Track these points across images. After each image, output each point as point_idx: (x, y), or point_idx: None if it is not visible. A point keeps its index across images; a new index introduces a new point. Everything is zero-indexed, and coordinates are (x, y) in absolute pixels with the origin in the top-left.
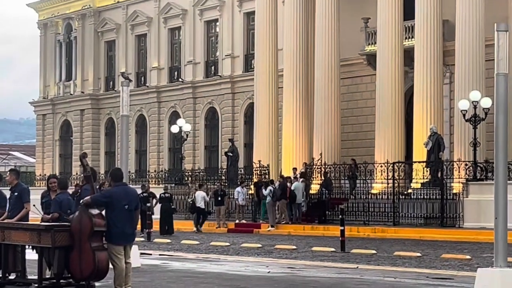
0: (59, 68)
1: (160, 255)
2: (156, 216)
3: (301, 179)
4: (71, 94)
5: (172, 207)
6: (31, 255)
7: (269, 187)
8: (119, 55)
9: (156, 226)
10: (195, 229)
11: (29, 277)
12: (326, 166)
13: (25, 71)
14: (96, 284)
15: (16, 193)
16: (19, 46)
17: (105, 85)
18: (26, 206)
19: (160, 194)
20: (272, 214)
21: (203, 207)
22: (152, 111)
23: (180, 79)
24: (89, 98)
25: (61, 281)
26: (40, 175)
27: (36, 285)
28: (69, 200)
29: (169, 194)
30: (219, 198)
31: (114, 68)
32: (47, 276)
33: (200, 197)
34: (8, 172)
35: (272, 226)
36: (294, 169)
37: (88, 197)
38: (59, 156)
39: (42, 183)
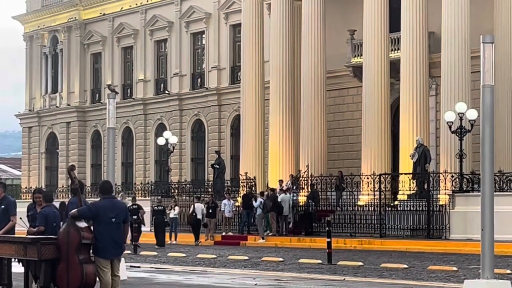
0: (45, 80)
1: (151, 267)
2: (147, 228)
3: (294, 187)
4: (57, 107)
5: (165, 220)
6: (17, 268)
7: (259, 199)
8: (105, 67)
9: (146, 239)
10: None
11: None
12: (313, 178)
13: (11, 83)
14: None
15: (2, 206)
16: (5, 58)
17: (91, 97)
18: (12, 219)
19: (153, 207)
20: (262, 226)
21: (200, 219)
22: (139, 123)
23: (166, 91)
24: (75, 111)
25: None
26: (26, 187)
27: None
28: (55, 213)
29: (162, 207)
30: (210, 211)
31: (100, 81)
32: None
33: (200, 209)
34: None
35: (262, 238)
36: (280, 181)
37: (75, 210)
38: (45, 168)
39: (28, 196)
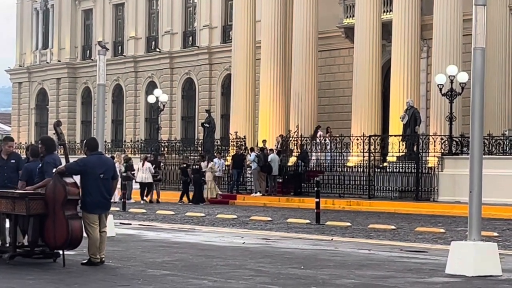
0: (36, 36)
1: (139, 225)
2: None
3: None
4: (47, 63)
5: (203, 178)
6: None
7: (254, 153)
8: (96, 24)
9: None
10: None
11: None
12: (303, 139)
13: (4, 39)
14: (70, 252)
15: (13, 161)
16: None
17: (81, 54)
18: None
19: (192, 166)
20: (258, 181)
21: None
22: (129, 81)
23: (157, 49)
24: (65, 67)
25: (36, 249)
26: (15, 143)
27: (10, 253)
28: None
29: (198, 166)
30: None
31: (91, 37)
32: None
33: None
34: (9, 141)
35: (259, 192)
36: (264, 141)
37: (63, 165)
38: (35, 124)
39: (20, 152)
